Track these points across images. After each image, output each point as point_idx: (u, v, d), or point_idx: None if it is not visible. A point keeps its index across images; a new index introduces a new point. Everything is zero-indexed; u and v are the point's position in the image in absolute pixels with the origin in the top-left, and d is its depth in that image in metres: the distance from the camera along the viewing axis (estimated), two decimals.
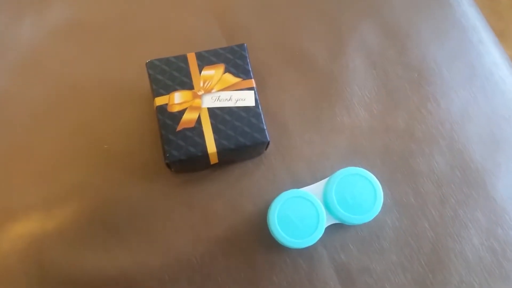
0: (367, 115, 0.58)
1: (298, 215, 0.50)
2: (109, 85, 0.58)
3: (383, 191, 0.55)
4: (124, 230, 0.53)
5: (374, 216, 0.51)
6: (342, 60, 0.60)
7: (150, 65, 0.50)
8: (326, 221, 0.51)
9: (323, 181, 0.52)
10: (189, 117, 0.49)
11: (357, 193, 0.51)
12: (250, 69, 0.51)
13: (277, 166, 0.56)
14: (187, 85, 0.50)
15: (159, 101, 0.50)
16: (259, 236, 0.53)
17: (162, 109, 0.49)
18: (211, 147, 0.48)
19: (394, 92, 0.59)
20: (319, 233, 0.50)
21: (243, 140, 0.49)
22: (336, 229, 0.53)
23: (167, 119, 0.49)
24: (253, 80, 0.51)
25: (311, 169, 0.56)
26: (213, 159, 0.51)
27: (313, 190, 0.52)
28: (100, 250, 0.52)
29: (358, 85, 0.59)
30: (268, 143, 0.50)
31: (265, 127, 0.49)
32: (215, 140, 0.49)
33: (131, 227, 0.53)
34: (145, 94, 0.57)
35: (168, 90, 0.50)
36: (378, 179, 0.52)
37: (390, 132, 0.57)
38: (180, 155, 0.48)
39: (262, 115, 0.50)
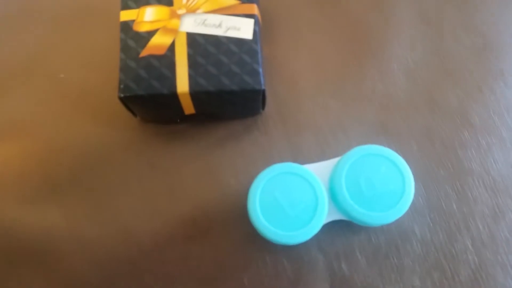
0: (408, 84, 0.42)
1: (290, 199, 0.36)
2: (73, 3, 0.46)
3: (416, 187, 0.40)
4: (66, 185, 0.40)
5: (397, 217, 0.36)
6: (384, 8, 0.45)
7: None
8: (328, 214, 0.36)
9: (333, 160, 0.38)
10: (159, 41, 0.36)
11: (377, 181, 0.36)
12: None
13: (276, 133, 0.41)
14: None
15: (125, 15, 0.37)
16: (236, 222, 0.39)
17: (127, 26, 0.36)
18: (183, 85, 0.35)
19: (449, 61, 0.43)
20: (315, 228, 0.35)
21: (227, 82, 0.35)
22: (341, 228, 0.39)
23: (130, 40, 0.36)
24: (256, 6, 0.37)
25: (321, 143, 0.41)
26: (187, 107, 0.37)
27: (318, 170, 0.37)
28: (30, 202, 0.40)
29: (401, 44, 0.44)
30: (264, 94, 0.37)
31: (260, 70, 0.36)
32: (190, 76, 0.35)
33: (74, 182, 0.40)
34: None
35: (139, 2, 0.37)
36: (411, 170, 0.37)
37: (436, 111, 0.42)
38: (138, 90, 0.35)
39: (259, 54, 0.36)
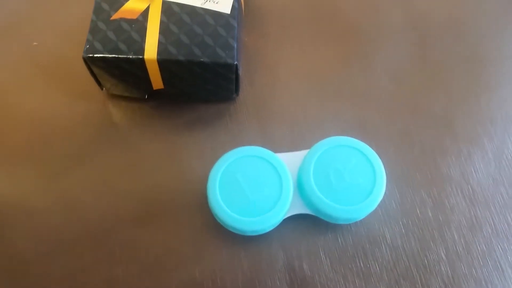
0: (391, 86, 0.41)
1: (253, 183, 0.33)
2: None
3: (390, 190, 0.37)
4: (21, 153, 0.38)
5: (366, 213, 0.33)
6: (373, 9, 0.44)
7: None
8: (293, 207, 0.34)
9: (304, 152, 0.36)
10: (133, 6, 0.34)
11: (347, 173, 0.34)
12: None
13: (248, 121, 0.39)
14: None
15: None
16: (194, 209, 0.36)
17: None
18: (151, 51, 0.33)
19: (435, 66, 0.42)
20: (276, 217, 0.32)
21: (199, 53, 0.33)
22: (307, 226, 0.36)
23: (104, 3, 0.35)
24: None
25: (295, 136, 0.39)
26: (155, 79, 0.35)
27: (288, 160, 0.35)
28: None
29: (387, 44, 0.43)
30: (237, 72, 0.35)
31: (235, 46, 0.34)
32: (160, 43, 0.33)
33: (29, 152, 0.38)
34: None
35: None
36: (387, 173, 0.35)
37: (418, 116, 0.40)
38: (103, 51, 0.33)
39: (236, 30, 0.35)
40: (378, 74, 0.41)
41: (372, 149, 0.34)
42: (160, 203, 0.36)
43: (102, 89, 0.38)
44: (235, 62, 0.34)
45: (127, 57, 0.33)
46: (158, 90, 0.37)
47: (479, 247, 0.35)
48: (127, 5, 0.34)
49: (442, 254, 0.35)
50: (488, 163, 0.38)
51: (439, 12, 0.44)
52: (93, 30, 0.34)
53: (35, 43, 0.42)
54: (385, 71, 0.42)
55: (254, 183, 0.33)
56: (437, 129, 0.39)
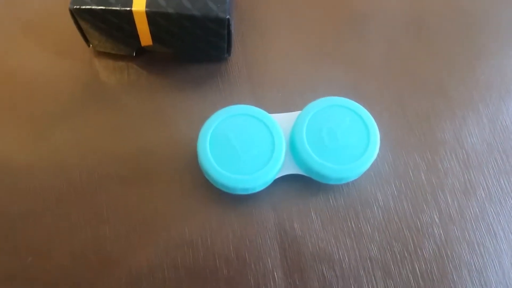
0: (385, 50, 0.40)
1: (245, 141, 0.32)
2: None
3: (383, 153, 0.36)
4: (2, 110, 0.36)
5: (360, 173, 0.33)
6: None
7: None
8: (285, 167, 0.33)
9: (297, 113, 0.35)
10: None
11: (340, 133, 0.33)
12: None
13: (240, 82, 0.38)
14: None
15: None
16: (183, 169, 0.35)
17: None
18: (140, 2, 0.32)
19: (429, 31, 0.41)
20: (268, 175, 0.32)
21: (189, 5, 0.32)
22: (298, 187, 0.35)
23: None
24: None
25: (286, 99, 0.38)
26: (144, 34, 0.34)
27: (280, 121, 0.34)
28: None
29: (383, 11, 0.42)
30: (229, 29, 0.34)
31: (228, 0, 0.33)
32: None
33: (12, 108, 0.36)
34: None
35: None
36: (380, 137, 0.34)
37: (413, 81, 0.39)
38: (91, 2, 0.32)
39: None
40: (372, 39, 0.41)
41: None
42: (148, 163, 0.35)
43: (89, 45, 0.37)
44: (227, 16, 0.33)
45: (115, 9, 0.32)
46: (146, 47, 0.36)
47: (472, 210, 0.35)
48: None
49: (435, 217, 0.35)
50: (482, 128, 0.38)
51: None
52: None
53: None
54: (378, 35, 0.41)
55: (245, 141, 0.32)
56: (431, 94, 0.39)
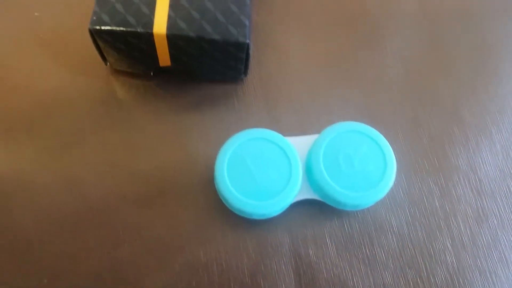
0: (402, 73, 0.40)
1: (262, 166, 0.33)
2: None
3: (397, 178, 0.37)
4: (20, 128, 0.36)
5: (376, 200, 0.33)
6: None
7: None
8: (301, 192, 0.33)
9: (313, 136, 0.35)
10: None
11: (357, 160, 0.33)
12: None
13: (256, 103, 0.38)
14: None
15: None
16: (199, 190, 0.35)
17: None
18: (160, 25, 0.32)
19: (445, 55, 0.41)
20: (285, 201, 0.32)
21: (209, 29, 0.32)
22: (314, 211, 0.35)
23: None
24: None
25: (302, 120, 0.38)
26: (163, 55, 0.34)
27: (297, 144, 0.34)
28: None
29: (399, 31, 0.42)
30: (248, 51, 0.34)
31: (247, 23, 0.33)
32: (169, 17, 0.32)
33: (29, 126, 0.36)
34: None
35: None
36: (396, 160, 0.34)
37: (427, 103, 0.39)
38: (111, 23, 0.32)
39: (248, 7, 0.33)
40: (388, 60, 0.41)
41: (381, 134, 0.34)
42: (165, 183, 0.35)
43: (106, 63, 0.37)
44: (247, 41, 0.32)
45: (135, 31, 0.32)
46: (164, 67, 0.36)
47: (485, 238, 0.35)
48: None
49: (448, 244, 0.35)
50: (495, 154, 0.38)
51: (451, 2, 0.43)
52: (100, 1, 0.32)
53: (36, 14, 0.40)
54: (395, 57, 0.41)
55: (263, 166, 0.32)
56: (445, 117, 0.39)
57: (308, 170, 0.33)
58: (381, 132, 0.34)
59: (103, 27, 0.32)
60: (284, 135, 0.34)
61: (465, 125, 0.39)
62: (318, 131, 0.36)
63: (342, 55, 0.41)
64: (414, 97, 0.39)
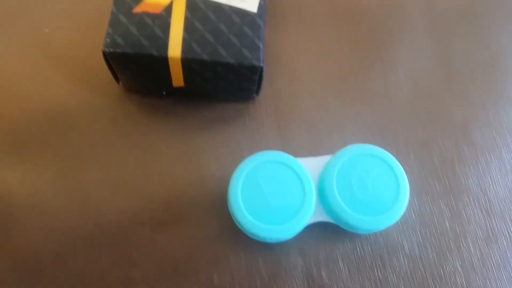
0: (412, 92, 0.40)
1: (275, 190, 0.33)
2: None
3: (409, 200, 0.36)
4: (33, 147, 0.36)
5: (389, 225, 0.33)
6: (396, 12, 0.43)
7: None
8: (314, 215, 0.33)
9: (325, 157, 0.35)
10: None
11: (370, 183, 0.33)
12: None
13: (267, 123, 0.38)
14: None
15: None
16: (212, 211, 0.35)
17: None
18: (175, 49, 0.32)
19: (456, 73, 0.41)
20: (298, 226, 0.32)
21: (224, 53, 0.32)
22: (326, 233, 0.35)
23: None
24: None
25: (314, 140, 0.38)
26: (177, 77, 0.34)
27: (308, 166, 0.34)
28: None
29: (409, 50, 0.42)
30: (261, 74, 0.34)
31: (261, 46, 0.33)
32: (184, 41, 0.32)
33: (42, 146, 0.36)
34: None
35: None
36: (408, 184, 0.34)
37: (438, 123, 0.39)
38: (125, 46, 0.32)
39: (262, 30, 0.33)
40: (399, 78, 0.41)
41: (392, 154, 0.34)
42: (178, 204, 0.35)
43: (118, 83, 0.37)
44: (261, 65, 0.32)
45: (149, 54, 0.32)
46: (177, 88, 0.36)
47: (494, 259, 0.36)
48: None
49: (458, 265, 0.35)
50: (505, 174, 0.38)
51: (462, 17, 0.43)
52: (114, 23, 0.32)
53: (46, 30, 0.40)
54: (405, 75, 0.41)
55: (276, 189, 0.33)
56: (456, 137, 0.39)
57: (321, 193, 0.33)
58: (392, 153, 0.34)
59: (116, 50, 0.31)
60: (296, 155, 0.34)
61: (475, 145, 0.39)
62: (330, 151, 0.36)
63: (353, 74, 0.41)
64: (425, 117, 0.39)
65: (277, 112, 0.39)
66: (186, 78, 0.34)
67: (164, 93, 0.37)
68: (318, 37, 0.42)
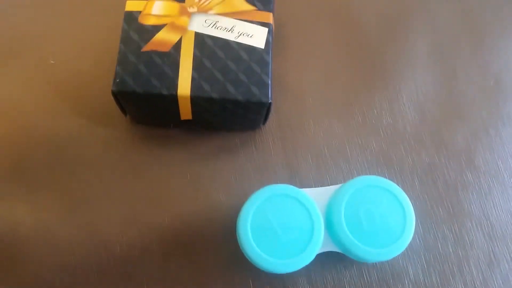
0: (416, 118, 0.41)
1: (284, 223, 0.33)
2: None
3: (415, 226, 0.38)
4: (40, 180, 0.37)
5: (395, 255, 0.34)
6: (400, 37, 0.43)
7: None
8: (322, 245, 0.34)
9: (332, 188, 0.36)
10: (165, 37, 0.33)
11: (377, 215, 0.34)
12: None
13: (274, 151, 0.39)
14: None
15: (131, 5, 0.34)
16: (221, 241, 0.36)
17: (132, 17, 0.33)
18: (185, 87, 0.32)
19: (459, 98, 0.42)
20: (307, 259, 0.33)
21: (233, 90, 0.33)
22: (333, 260, 0.36)
23: (133, 32, 0.33)
24: (272, 14, 0.35)
25: (320, 168, 0.39)
26: (185, 112, 0.35)
27: (315, 196, 0.35)
28: None
29: (413, 75, 0.42)
30: (269, 108, 0.34)
31: (269, 83, 0.33)
32: (193, 79, 0.32)
33: (50, 178, 0.37)
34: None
35: None
36: (414, 216, 0.35)
37: (442, 148, 0.40)
38: (135, 86, 0.32)
39: (270, 66, 0.34)
40: (403, 104, 0.41)
41: (397, 182, 0.35)
42: (187, 234, 0.36)
43: (126, 116, 0.37)
44: (270, 101, 0.33)
45: (159, 93, 0.32)
46: (185, 120, 0.36)
47: (496, 282, 0.37)
48: (158, 36, 0.33)
49: None
50: (507, 199, 0.39)
51: (464, 43, 0.44)
52: (122, 62, 0.32)
53: (52, 61, 0.40)
54: (409, 101, 0.41)
55: (285, 224, 0.33)
56: (459, 162, 0.40)
57: (329, 224, 0.34)
58: (398, 180, 0.35)
59: (127, 90, 0.32)
60: (304, 184, 0.35)
61: (478, 171, 0.40)
62: (336, 178, 0.37)
63: (358, 101, 0.41)
64: (429, 143, 0.40)
65: (283, 139, 0.39)
66: (194, 112, 0.35)
67: (171, 125, 0.38)
68: (322, 64, 0.42)
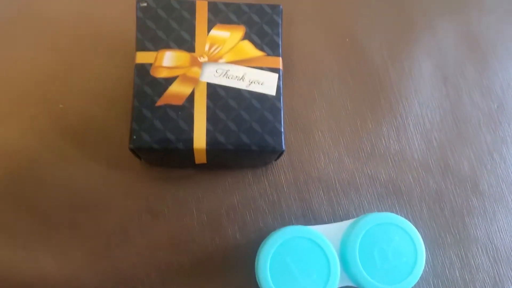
0: (423, 145, 0.42)
1: (301, 266, 0.35)
2: (82, 22, 0.42)
3: None
4: (56, 225, 0.37)
5: None
6: (404, 63, 0.44)
7: (142, 7, 0.35)
8: (339, 282, 0.36)
9: (345, 223, 0.37)
10: (178, 89, 0.33)
11: (391, 253, 0.35)
12: (280, 42, 0.35)
13: (286, 186, 0.40)
14: (187, 44, 0.34)
15: (142, 57, 0.34)
16: (239, 278, 0.38)
17: (143, 70, 0.34)
18: (200, 140, 0.33)
19: (464, 122, 0.43)
20: None
21: (247, 140, 0.33)
22: None
23: (146, 86, 0.33)
24: (280, 59, 0.35)
25: (332, 201, 0.40)
26: (200, 158, 0.35)
27: (329, 232, 0.36)
28: (17, 245, 0.37)
29: (419, 101, 0.43)
30: (282, 153, 0.35)
31: (282, 130, 0.34)
32: (208, 132, 0.33)
33: (66, 223, 0.38)
34: (129, 45, 0.41)
35: (158, 45, 0.34)
36: (420, 235, 0.36)
37: (448, 175, 0.41)
38: (152, 142, 0.33)
39: (282, 112, 0.34)
40: (410, 133, 0.42)
41: (406, 211, 0.36)
42: (205, 275, 0.37)
43: (140, 160, 0.38)
44: (283, 149, 0.34)
45: (175, 148, 0.33)
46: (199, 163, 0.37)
47: None
48: (171, 89, 0.33)
49: None
50: (511, 222, 0.41)
51: (469, 67, 0.44)
52: (138, 118, 0.33)
53: (60, 106, 0.40)
54: (416, 130, 0.42)
55: (303, 265, 0.35)
56: (465, 188, 0.41)
57: (344, 262, 0.36)
58: (407, 208, 0.37)
59: (144, 146, 0.32)
60: (316, 220, 0.36)
61: (483, 195, 0.41)
62: (347, 212, 0.38)
63: (366, 131, 0.42)
64: (436, 170, 0.41)
65: (294, 173, 0.40)
66: (209, 160, 0.35)
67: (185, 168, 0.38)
68: (329, 96, 0.42)
